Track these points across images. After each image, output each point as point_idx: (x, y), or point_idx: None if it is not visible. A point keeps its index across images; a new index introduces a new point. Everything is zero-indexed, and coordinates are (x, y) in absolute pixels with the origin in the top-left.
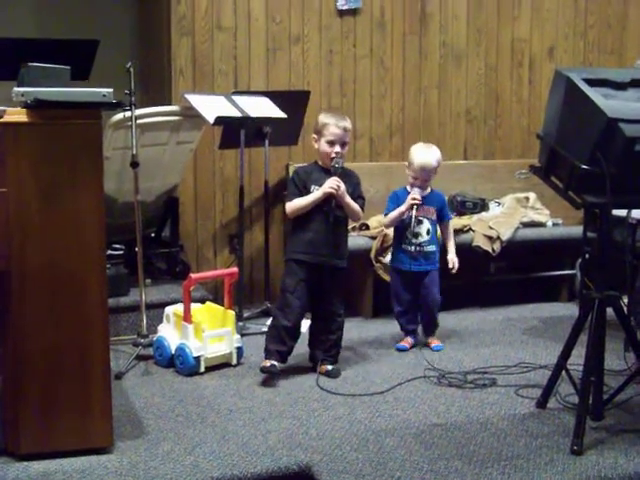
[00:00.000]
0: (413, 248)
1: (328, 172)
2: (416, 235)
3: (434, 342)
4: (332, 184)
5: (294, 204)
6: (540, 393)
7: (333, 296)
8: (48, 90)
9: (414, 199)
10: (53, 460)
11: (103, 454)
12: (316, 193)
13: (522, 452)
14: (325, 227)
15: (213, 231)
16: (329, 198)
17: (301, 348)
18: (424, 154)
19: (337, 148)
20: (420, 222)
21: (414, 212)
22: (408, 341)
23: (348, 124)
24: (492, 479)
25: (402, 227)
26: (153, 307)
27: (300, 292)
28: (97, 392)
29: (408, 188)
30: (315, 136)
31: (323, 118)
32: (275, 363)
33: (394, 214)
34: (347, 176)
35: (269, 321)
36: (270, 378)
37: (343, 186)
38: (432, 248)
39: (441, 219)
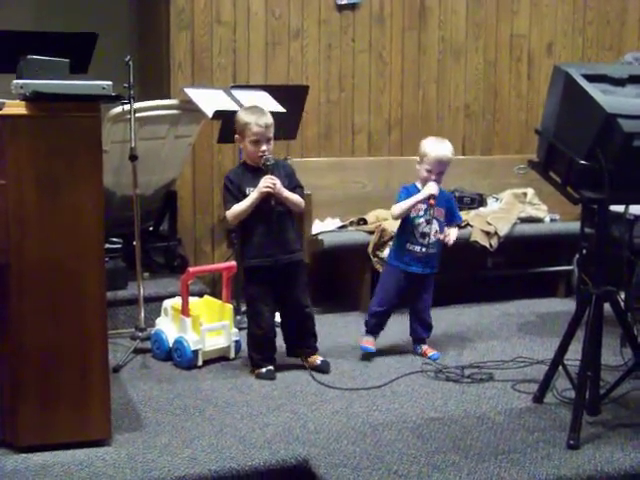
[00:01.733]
0: (419, 249)
1: (260, 171)
2: (424, 235)
3: (430, 351)
4: (267, 183)
5: (233, 211)
6: (537, 388)
7: (297, 290)
8: (47, 82)
9: (431, 194)
10: (51, 452)
11: (101, 446)
12: (252, 195)
13: (519, 446)
14: (270, 227)
15: (211, 225)
16: (267, 197)
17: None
18: (440, 145)
19: (263, 146)
20: (429, 222)
21: (431, 210)
22: (373, 342)
23: (269, 119)
24: (489, 473)
25: (410, 224)
26: (151, 301)
27: (265, 298)
28: (95, 385)
29: (418, 185)
30: (238, 136)
31: (242, 117)
32: (271, 368)
33: (408, 202)
34: (280, 169)
35: None
36: (270, 377)
37: (279, 182)
38: (436, 251)
39: (449, 222)
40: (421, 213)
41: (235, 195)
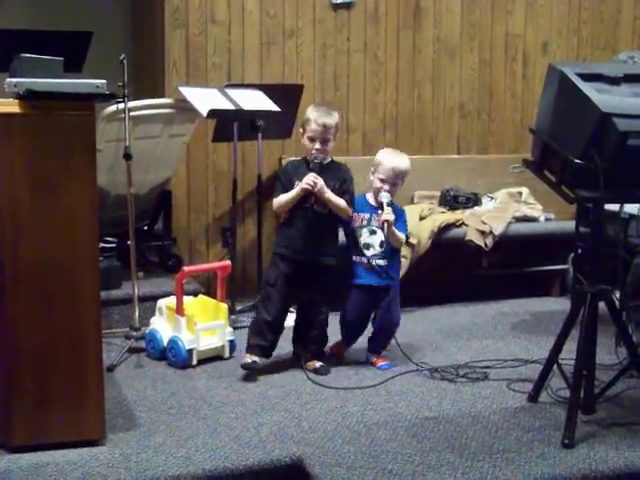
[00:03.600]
0: (365, 260)
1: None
2: (367, 246)
3: (381, 361)
4: (308, 180)
5: (278, 200)
6: (532, 387)
7: (315, 292)
8: (41, 81)
9: (384, 209)
10: (45, 452)
11: (95, 446)
12: (295, 190)
13: (513, 445)
14: (306, 223)
15: (206, 224)
16: (309, 195)
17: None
18: (396, 156)
19: (317, 145)
20: (374, 232)
21: (381, 216)
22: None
23: (330, 120)
24: (483, 472)
25: (353, 235)
26: (145, 300)
27: (281, 285)
28: (89, 384)
29: (368, 198)
30: (301, 130)
31: (308, 112)
32: (256, 359)
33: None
34: (333, 171)
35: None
36: (251, 374)
37: (321, 182)
38: (387, 262)
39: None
40: (364, 223)
41: (284, 185)
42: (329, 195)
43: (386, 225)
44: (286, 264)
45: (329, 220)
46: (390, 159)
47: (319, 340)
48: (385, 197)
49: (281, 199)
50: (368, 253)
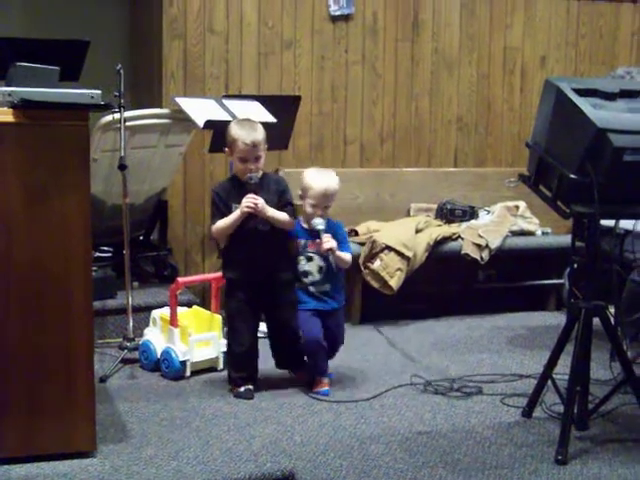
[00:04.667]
0: (305, 287)
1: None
2: (305, 274)
3: (320, 387)
4: (247, 203)
5: (217, 226)
6: (526, 402)
7: (284, 312)
8: (35, 90)
9: (322, 237)
10: (35, 464)
11: (86, 458)
12: (235, 213)
13: (506, 461)
14: (253, 245)
15: (202, 235)
16: (250, 216)
17: None
18: (324, 177)
19: (250, 165)
20: (310, 259)
21: (331, 259)
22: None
23: (258, 135)
24: None
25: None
26: (140, 310)
27: (244, 314)
28: (81, 395)
29: (302, 222)
30: (227, 150)
31: (232, 131)
32: (250, 387)
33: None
34: (269, 185)
35: (261, 327)
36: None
37: (261, 201)
38: (330, 287)
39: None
40: (300, 249)
41: (221, 210)
42: (272, 213)
43: (330, 254)
44: (243, 291)
45: (275, 236)
46: (319, 182)
47: (299, 354)
48: (320, 224)
49: (220, 225)
50: (307, 280)
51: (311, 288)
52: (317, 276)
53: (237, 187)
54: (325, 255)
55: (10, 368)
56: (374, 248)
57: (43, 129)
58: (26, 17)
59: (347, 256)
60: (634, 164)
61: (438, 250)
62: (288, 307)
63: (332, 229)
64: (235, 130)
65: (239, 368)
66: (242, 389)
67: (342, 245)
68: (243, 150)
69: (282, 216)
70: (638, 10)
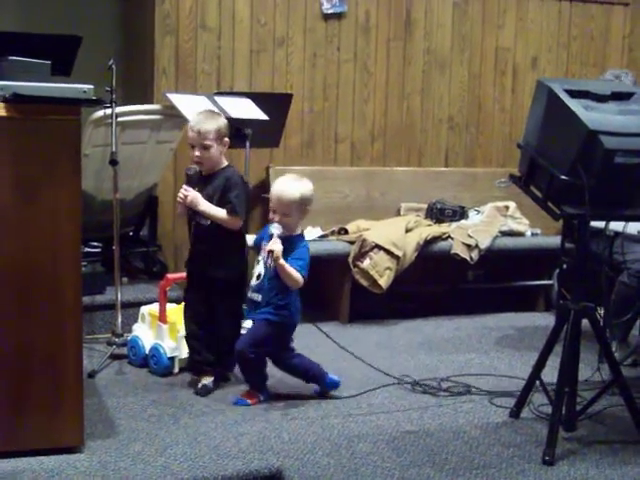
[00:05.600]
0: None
1: (201, 178)
2: (251, 276)
3: (244, 397)
4: (180, 193)
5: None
6: (514, 402)
7: (216, 310)
8: (27, 85)
9: (271, 240)
10: (22, 459)
11: (73, 453)
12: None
13: (494, 461)
14: (194, 238)
15: None
16: (189, 207)
17: None
18: (285, 183)
19: (196, 152)
20: (258, 262)
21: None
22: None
23: (207, 125)
24: None
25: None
26: (129, 306)
27: (189, 303)
28: (68, 391)
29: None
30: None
31: (190, 118)
32: (206, 383)
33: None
34: (217, 179)
35: (245, 323)
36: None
37: (192, 194)
38: (258, 297)
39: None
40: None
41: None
42: (204, 207)
43: (270, 256)
44: (189, 283)
45: (214, 232)
46: (275, 187)
47: (222, 360)
48: (275, 228)
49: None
50: (250, 283)
51: (248, 292)
52: (254, 282)
53: (186, 178)
54: (267, 263)
55: None
56: (364, 247)
57: (35, 123)
58: (19, 12)
59: (294, 273)
60: (625, 166)
61: (428, 250)
62: (221, 308)
63: (292, 242)
64: (192, 117)
65: (191, 352)
66: (200, 385)
67: (293, 261)
68: (190, 137)
69: (217, 212)
70: (629, 13)
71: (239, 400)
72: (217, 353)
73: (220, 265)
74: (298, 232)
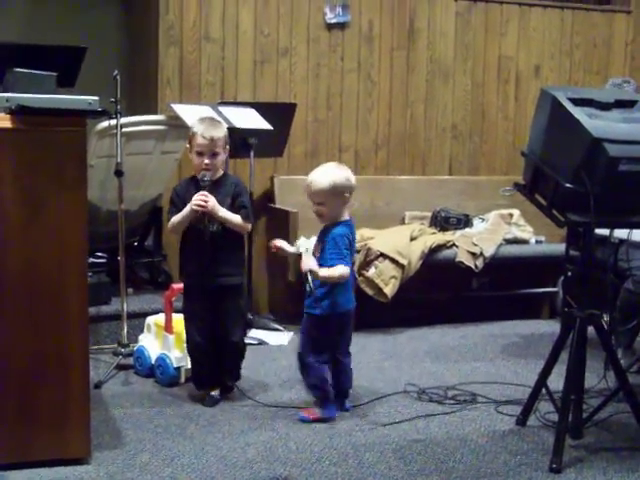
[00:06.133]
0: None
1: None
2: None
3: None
4: (197, 200)
5: (171, 222)
6: (520, 410)
7: (227, 320)
8: (32, 97)
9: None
10: (29, 470)
11: (80, 465)
12: (186, 209)
13: (501, 469)
14: (202, 245)
15: None
16: (202, 215)
17: (282, 361)
18: (317, 171)
19: (206, 160)
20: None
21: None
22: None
23: (218, 133)
24: None
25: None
26: (134, 317)
27: (194, 315)
28: (75, 402)
29: None
30: (188, 146)
31: (193, 127)
32: (213, 394)
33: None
34: (225, 186)
35: (250, 332)
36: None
37: (212, 200)
38: (319, 292)
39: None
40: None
41: (178, 207)
42: (223, 213)
43: (309, 274)
44: (193, 293)
45: (227, 238)
46: (309, 176)
47: (234, 369)
48: (302, 245)
49: (174, 220)
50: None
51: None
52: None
53: (194, 185)
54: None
55: (5, 374)
56: (369, 256)
57: (40, 135)
58: (24, 23)
59: (334, 273)
60: (629, 174)
61: (432, 258)
62: (233, 316)
63: (330, 234)
64: (196, 125)
65: (192, 370)
66: (206, 397)
67: (327, 258)
68: (200, 144)
69: (234, 218)
70: (632, 20)
71: (300, 416)
72: (222, 363)
73: (232, 270)
74: (343, 219)
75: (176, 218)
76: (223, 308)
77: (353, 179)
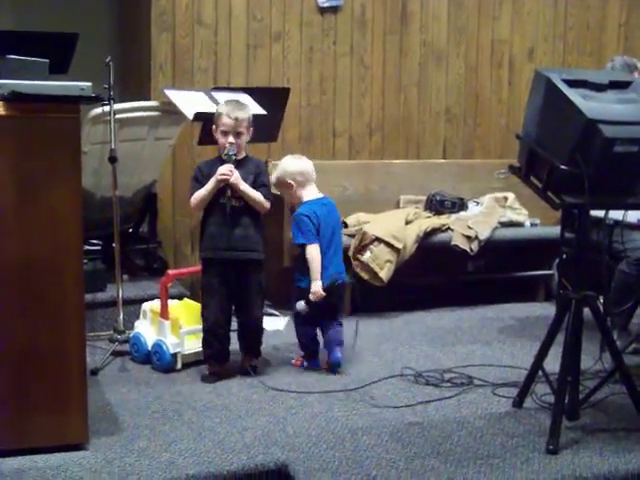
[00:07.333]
0: None
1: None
2: None
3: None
4: (224, 170)
5: (194, 197)
6: (517, 392)
7: (249, 295)
8: (25, 83)
9: None
10: (27, 457)
11: (78, 451)
12: (210, 183)
13: (498, 451)
14: (224, 219)
15: (191, 227)
16: (224, 188)
17: (280, 344)
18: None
19: (230, 138)
20: None
21: None
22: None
23: (243, 114)
24: (468, 478)
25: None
26: (130, 303)
27: (214, 291)
28: (73, 388)
29: None
30: (214, 126)
31: (219, 107)
32: (214, 372)
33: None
34: (248, 165)
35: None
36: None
37: (236, 173)
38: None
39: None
40: None
41: (201, 182)
42: (245, 187)
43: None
44: (213, 268)
45: (248, 214)
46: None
47: (255, 343)
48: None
49: (197, 195)
50: None
51: None
52: None
53: (219, 164)
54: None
55: (2, 361)
56: (364, 240)
57: (34, 122)
58: (15, 10)
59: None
60: (624, 155)
61: (428, 241)
62: (254, 290)
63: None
64: (222, 106)
65: (208, 345)
66: (207, 372)
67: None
68: (225, 123)
69: (256, 194)
70: (625, 1)
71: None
72: (244, 340)
73: (253, 245)
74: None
75: (199, 193)
76: (244, 283)
77: (294, 167)
